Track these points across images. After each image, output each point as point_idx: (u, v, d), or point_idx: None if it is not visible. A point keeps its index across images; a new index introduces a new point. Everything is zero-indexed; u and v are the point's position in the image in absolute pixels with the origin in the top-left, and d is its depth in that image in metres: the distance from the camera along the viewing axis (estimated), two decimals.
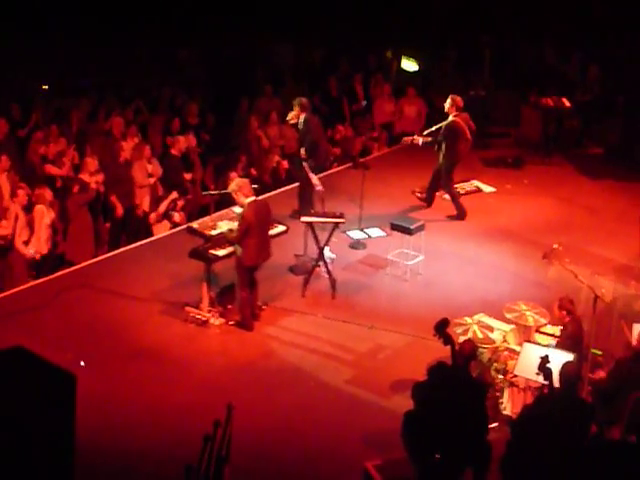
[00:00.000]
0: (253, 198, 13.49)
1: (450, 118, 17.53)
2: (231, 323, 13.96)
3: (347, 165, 19.59)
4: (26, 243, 15.10)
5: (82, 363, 12.44)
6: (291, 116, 17.17)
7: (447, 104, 17.67)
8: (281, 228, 14.60)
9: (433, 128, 17.68)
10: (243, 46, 23.24)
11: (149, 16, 23.04)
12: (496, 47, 22.99)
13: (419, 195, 18.32)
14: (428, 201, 18.12)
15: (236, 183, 13.75)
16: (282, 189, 18.60)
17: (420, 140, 17.77)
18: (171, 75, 21.71)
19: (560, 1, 24.52)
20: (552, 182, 19.05)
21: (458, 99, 17.67)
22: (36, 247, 15.20)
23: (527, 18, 24.38)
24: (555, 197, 18.58)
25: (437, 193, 18.06)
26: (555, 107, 20.45)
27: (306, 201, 16.75)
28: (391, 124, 21.58)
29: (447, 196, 17.95)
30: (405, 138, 17.98)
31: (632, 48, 22.12)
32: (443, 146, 17.56)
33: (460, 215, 17.80)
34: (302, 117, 16.94)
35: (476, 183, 19.01)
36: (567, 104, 20.41)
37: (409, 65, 21.89)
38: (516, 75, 21.98)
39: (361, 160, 17.93)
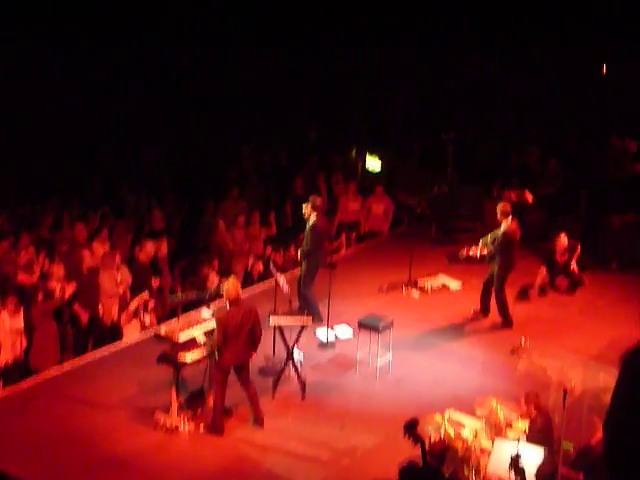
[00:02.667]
0: (231, 303, 13.60)
1: (504, 227, 17.13)
2: (203, 428, 13.82)
3: None
4: None
5: None
6: (304, 211, 17.17)
7: (499, 211, 17.20)
8: None
9: (488, 238, 17.31)
10: (210, 148, 23.39)
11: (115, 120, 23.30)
12: (458, 143, 23.15)
13: (387, 288, 18.36)
14: (484, 311, 17.78)
15: (229, 285, 13.74)
16: (254, 289, 18.54)
17: (478, 251, 17.40)
18: (136, 179, 21.74)
19: (521, 96, 24.86)
20: (517, 275, 19.02)
21: (506, 206, 17.34)
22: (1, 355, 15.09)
23: (488, 115, 24.68)
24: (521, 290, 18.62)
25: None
26: (518, 201, 20.51)
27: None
28: (358, 222, 21.58)
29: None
30: (462, 251, 17.61)
31: (594, 144, 22.34)
32: (498, 257, 17.24)
33: (507, 322, 17.53)
34: (312, 218, 16.93)
35: (442, 278, 18.97)
36: (530, 198, 20.49)
37: (374, 164, 22.01)
38: (479, 170, 22.07)
39: (328, 259, 17.88)
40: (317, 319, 16.41)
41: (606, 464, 2.22)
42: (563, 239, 18.72)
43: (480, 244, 17.39)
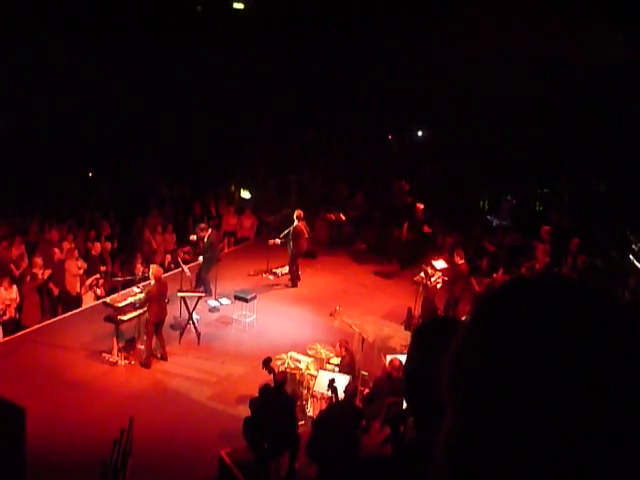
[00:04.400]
0: (156, 281, 13.88)
1: (295, 224, 17.58)
2: (133, 363, 13.77)
3: None
4: None
5: None
6: (198, 232, 17.08)
7: (294, 215, 17.69)
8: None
9: (285, 232, 17.69)
10: (138, 181, 22.99)
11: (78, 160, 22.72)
12: (298, 183, 23.33)
13: (252, 274, 18.42)
14: (295, 283, 18.07)
15: (154, 269, 14.18)
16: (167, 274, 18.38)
17: (278, 241, 17.79)
18: (92, 201, 21.30)
19: (338, 153, 24.98)
20: (336, 266, 19.31)
21: (300, 212, 17.75)
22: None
23: (319, 163, 24.72)
24: (338, 276, 18.79)
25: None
26: (336, 220, 20.79)
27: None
28: (234, 232, 21.53)
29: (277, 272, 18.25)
30: (270, 240, 18.01)
31: (382, 184, 22.65)
32: (291, 243, 17.61)
33: (294, 284, 17.95)
34: (207, 235, 16.75)
35: (287, 267, 18.98)
36: (343, 218, 20.73)
37: (245, 194, 22.00)
38: (311, 200, 22.14)
39: (215, 255, 17.85)
40: (209, 294, 16.45)
41: (407, 401, 2.35)
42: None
43: (281, 235, 17.85)
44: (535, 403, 1.07)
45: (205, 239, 16.88)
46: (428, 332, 2.25)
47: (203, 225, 17.32)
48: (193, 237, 17.46)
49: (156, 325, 13.84)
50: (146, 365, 13.70)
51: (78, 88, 21.84)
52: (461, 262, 15.61)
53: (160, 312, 13.86)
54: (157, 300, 13.71)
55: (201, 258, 16.96)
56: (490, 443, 1.10)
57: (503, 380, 1.09)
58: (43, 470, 9.84)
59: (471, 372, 1.14)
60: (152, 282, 13.86)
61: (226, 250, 20.73)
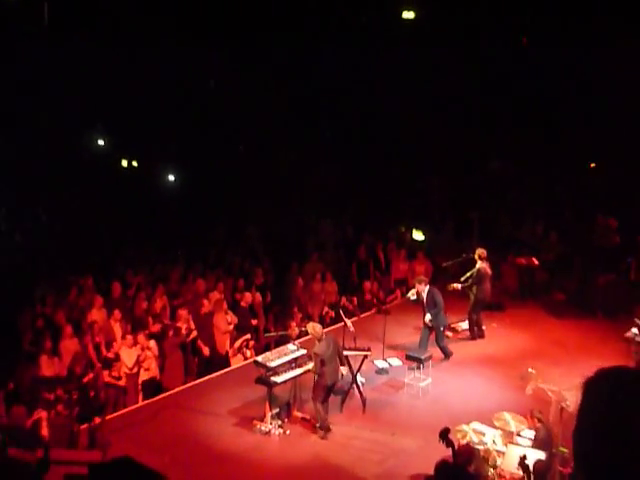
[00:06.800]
0: (318, 340, 13.96)
1: (478, 266, 17.67)
2: (289, 432, 13.90)
3: (373, 311, 19.41)
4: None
5: None
6: (412, 293, 17.21)
7: (476, 256, 17.84)
8: None
9: (467, 275, 17.79)
10: (293, 223, 23.45)
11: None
12: (481, 221, 23.07)
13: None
14: (479, 334, 18.10)
15: (312, 329, 14.13)
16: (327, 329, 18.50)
17: (459, 285, 17.81)
18: (241, 247, 21.90)
19: (529, 185, 24.59)
20: (527, 321, 18.91)
21: (483, 252, 17.88)
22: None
23: (506, 198, 24.44)
24: (529, 332, 18.40)
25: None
26: (527, 265, 20.44)
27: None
28: (406, 279, 21.47)
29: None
30: (449, 285, 17.94)
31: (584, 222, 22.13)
32: (474, 288, 17.69)
33: (473, 336, 18.01)
34: (427, 291, 16.80)
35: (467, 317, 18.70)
36: (535, 262, 20.36)
37: (418, 235, 21.98)
38: (496, 242, 21.83)
39: (384, 307, 17.91)
40: (446, 358, 16.80)
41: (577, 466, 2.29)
42: None
43: (462, 279, 17.86)
44: None
45: (425, 294, 16.84)
46: (602, 386, 2.14)
47: (421, 277, 17.48)
48: (412, 294, 17.37)
49: (328, 389, 13.94)
50: (323, 429, 13.86)
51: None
52: None
53: (333, 374, 13.95)
54: (327, 360, 13.84)
55: (428, 316, 16.80)
56: None
57: None
58: None
59: None
60: (316, 342, 13.99)
61: (397, 301, 20.72)
